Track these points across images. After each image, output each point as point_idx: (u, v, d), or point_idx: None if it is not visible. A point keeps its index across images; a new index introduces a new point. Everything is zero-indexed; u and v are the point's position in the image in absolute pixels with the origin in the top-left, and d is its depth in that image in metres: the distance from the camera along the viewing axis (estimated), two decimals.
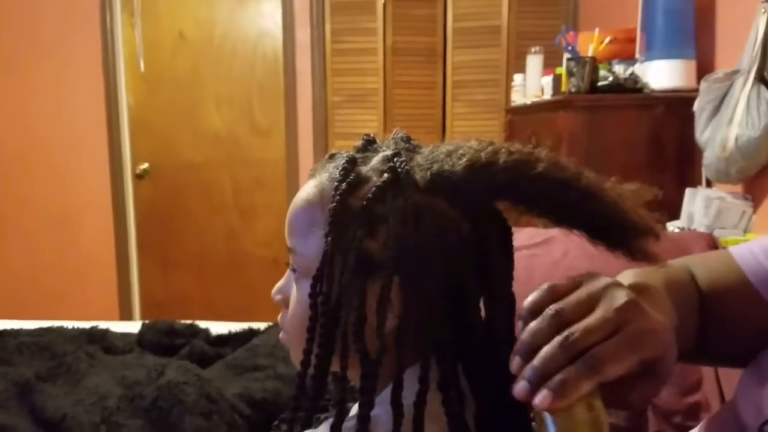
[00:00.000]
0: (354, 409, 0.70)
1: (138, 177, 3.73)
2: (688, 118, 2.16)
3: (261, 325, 2.07)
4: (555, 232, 1.84)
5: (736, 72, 2.00)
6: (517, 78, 2.99)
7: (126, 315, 3.75)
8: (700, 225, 2.03)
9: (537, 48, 2.85)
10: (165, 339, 1.95)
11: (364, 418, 0.56)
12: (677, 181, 2.27)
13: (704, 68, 2.28)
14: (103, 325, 2.10)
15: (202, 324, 2.09)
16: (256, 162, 3.72)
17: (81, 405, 1.50)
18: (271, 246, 3.76)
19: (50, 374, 1.68)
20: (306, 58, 3.52)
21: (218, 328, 2.08)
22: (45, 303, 3.64)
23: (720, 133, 1.99)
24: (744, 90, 1.95)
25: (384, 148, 0.65)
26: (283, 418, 1.51)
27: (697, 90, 2.14)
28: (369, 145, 0.66)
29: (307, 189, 0.66)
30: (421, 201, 0.59)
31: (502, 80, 3.30)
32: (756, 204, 2.02)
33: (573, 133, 2.34)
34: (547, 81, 2.63)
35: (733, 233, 1.96)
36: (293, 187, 3.61)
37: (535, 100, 2.76)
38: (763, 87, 1.92)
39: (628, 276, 0.63)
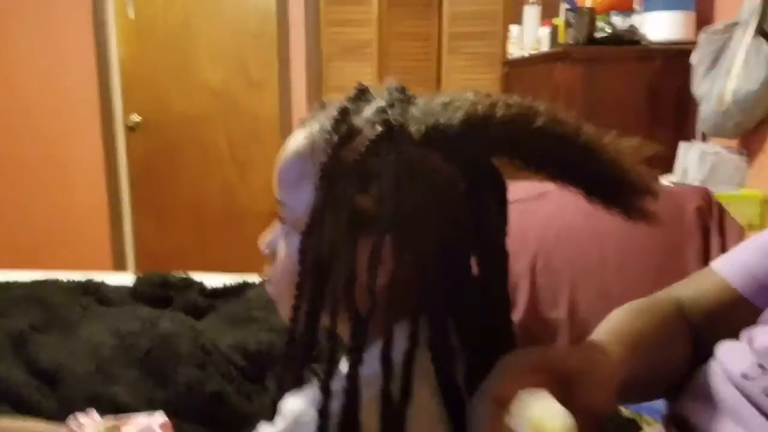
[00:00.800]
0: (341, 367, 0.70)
1: (130, 129, 3.69)
2: (686, 71, 2.14)
3: (255, 278, 2.07)
4: (550, 186, 1.83)
5: (735, 24, 1.98)
6: (514, 29, 2.94)
7: (120, 266, 3.76)
8: (695, 179, 2.03)
9: None
10: (159, 291, 1.95)
11: (353, 375, 0.55)
12: (673, 135, 2.26)
13: (703, 20, 2.25)
14: (97, 277, 2.10)
15: (196, 276, 2.09)
16: (250, 115, 3.68)
17: (75, 355, 1.50)
18: (267, 200, 3.74)
19: (44, 325, 1.68)
20: (299, 7, 3.45)
21: (212, 280, 2.08)
22: (38, 255, 3.64)
23: (717, 87, 1.98)
24: (743, 42, 1.92)
25: (377, 99, 0.62)
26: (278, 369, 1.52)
27: (695, 42, 2.12)
28: (362, 94, 0.63)
29: (297, 140, 0.63)
30: (416, 156, 0.57)
31: (498, 32, 3.24)
32: (750, 158, 2.02)
33: (570, 85, 2.32)
34: (545, 32, 2.59)
35: (727, 188, 1.95)
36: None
37: (533, 52, 2.72)
38: (762, 40, 1.89)
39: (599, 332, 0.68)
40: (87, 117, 3.59)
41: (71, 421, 1.10)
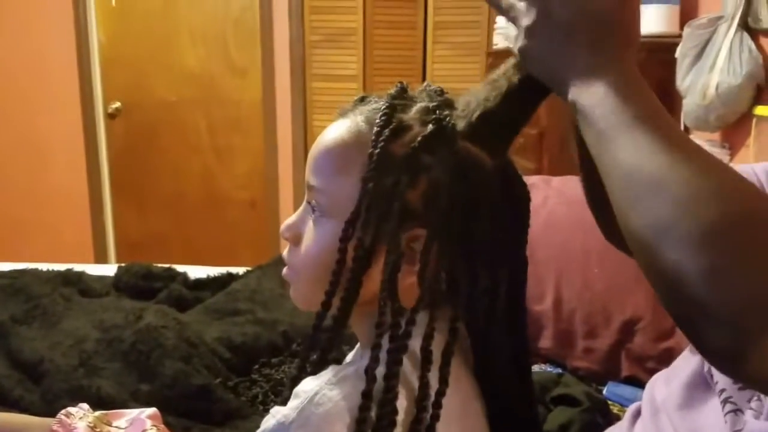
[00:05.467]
0: (349, 358, 0.72)
1: (110, 116, 3.65)
2: (670, 64, 2.14)
3: (239, 270, 2.07)
4: (535, 179, 1.84)
5: (719, 18, 1.98)
6: (500, 20, 2.94)
7: (100, 255, 3.72)
8: None
9: None
10: (142, 282, 1.94)
11: (396, 363, 0.57)
12: None
13: (688, 13, 2.26)
14: (78, 267, 2.08)
15: (180, 268, 2.08)
16: (232, 102, 3.65)
17: (58, 348, 1.49)
18: (248, 188, 3.73)
19: (26, 316, 1.67)
20: None
21: (196, 272, 2.07)
22: (17, 243, 3.59)
23: (701, 80, 1.99)
24: (727, 36, 1.93)
25: (419, 98, 0.64)
26: (264, 362, 1.52)
27: (679, 35, 2.13)
28: (403, 92, 0.65)
29: (339, 129, 0.64)
30: (466, 152, 0.60)
31: (484, 22, 3.24)
32: (733, 152, 2.04)
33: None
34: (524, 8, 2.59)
35: None
36: (270, 129, 3.56)
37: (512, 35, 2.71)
38: (746, 34, 1.91)
39: None
40: (67, 104, 3.54)
41: (61, 414, 1.09)
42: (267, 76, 3.52)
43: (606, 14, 0.53)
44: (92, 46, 3.54)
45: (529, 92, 0.61)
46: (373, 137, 0.60)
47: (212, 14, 3.56)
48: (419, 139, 0.59)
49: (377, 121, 0.61)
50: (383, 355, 0.57)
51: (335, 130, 0.64)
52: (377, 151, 0.59)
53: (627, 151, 0.47)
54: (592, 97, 0.51)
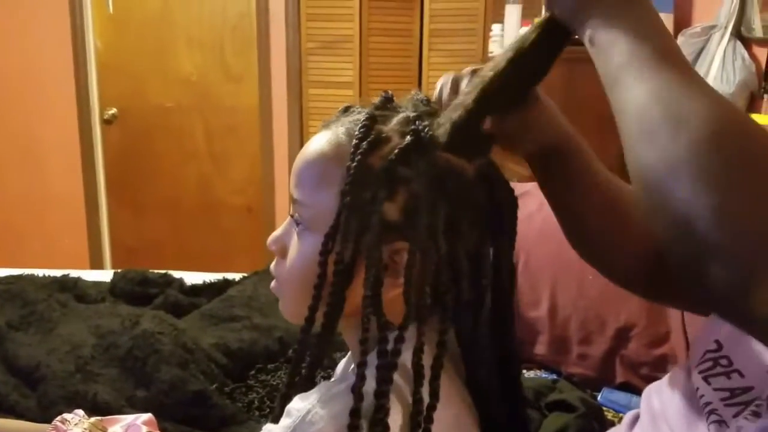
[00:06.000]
0: (340, 367, 0.72)
1: (106, 122, 3.65)
2: None
3: (236, 276, 2.07)
4: (530, 186, 1.84)
5: (713, 27, 2.00)
6: (495, 28, 2.96)
7: (96, 261, 3.71)
8: None
9: None
10: (138, 288, 1.94)
11: (386, 379, 0.56)
12: None
13: (682, 22, 2.28)
14: (74, 273, 2.08)
15: (176, 273, 2.08)
16: (228, 108, 3.65)
17: (55, 354, 1.49)
18: (244, 194, 3.73)
19: (22, 322, 1.67)
20: (280, 1, 3.43)
21: (192, 278, 2.07)
22: (14, 248, 3.59)
23: None
24: (720, 45, 1.95)
25: (403, 108, 0.64)
26: (260, 368, 1.53)
27: None
28: (387, 102, 0.65)
29: (320, 141, 0.64)
30: (445, 163, 0.59)
31: (479, 30, 3.25)
32: None
33: (551, 85, 2.32)
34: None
35: None
36: (267, 135, 3.57)
37: None
38: (738, 42, 1.93)
39: None
40: (63, 110, 3.54)
41: (57, 421, 1.10)
42: (263, 82, 3.53)
43: None
44: (89, 52, 3.54)
45: (541, 51, 0.64)
46: (352, 150, 0.60)
47: (209, 21, 3.57)
48: (396, 151, 0.59)
49: (356, 133, 0.60)
50: (371, 372, 0.56)
51: (317, 143, 0.64)
52: (354, 164, 0.59)
53: (643, 87, 0.48)
54: (611, 34, 0.52)
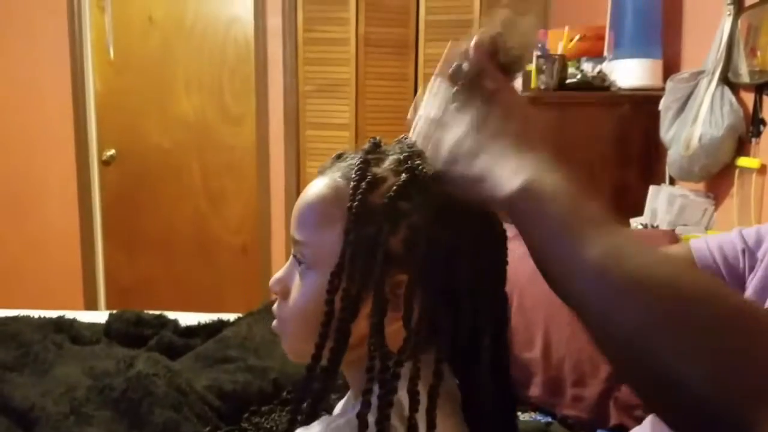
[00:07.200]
0: (339, 406, 0.73)
1: (104, 163, 3.68)
2: (654, 117, 2.20)
3: (230, 316, 2.07)
4: None
5: (701, 72, 2.05)
6: None
7: (90, 300, 3.71)
8: (663, 222, 2.08)
9: None
10: (133, 329, 1.94)
11: (385, 412, 0.58)
12: (642, 178, 2.32)
13: (670, 68, 2.33)
14: (69, 314, 2.08)
15: (171, 314, 2.08)
16: (226, 149, 3.70)
17: (49, 395, 1.49)
18: (240, 233, 3.74)
19: (17, 363, 1.67)
20: (278, 45, 3.50)
21: (187, 318, 2.07)
22: (9, 287, 3.59)
23: (684, 132, 2.04)
24: (708, 90, 1.99)
25: (391, 152, 0.67)
26: (254, 410, 1.52)
27: (663, 89, 2.19)
28: (376, 147, 0.68)
29: (319, 186, 0.67)
30: (441, 194, 0.62)
31: None
32: (717, 202, 2.08)
33: (542, 129, 2.37)
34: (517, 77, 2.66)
35: (694, 230, 2.01)
36: (264, 175, 3.60)
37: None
38: (726, 88, 1.97)
39: None
40: (62, 150, 3.57)
41: None
42: (261, 123, 3.58)
43: (515, 133, 0.59)
44: (88, 93, 3.59)
45: None
46: (351, 190, 0.63)
47: (209, 64, 3.63)
48: (395, 187, 0.62)
49: (353, 175, 0.64)
50: (374, 401, 0.58)
51: (315, 187, 0.67)
52: (355, 203, 0.62)
53: (595, 253, 0.47)
54: (537, 201, 0.52)
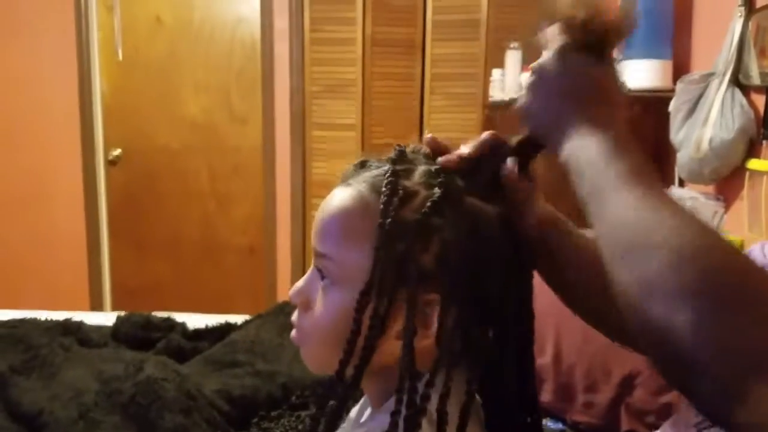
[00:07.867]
0: (354, 411, 0.72)
1: (111, 163, 3.68)
2: (664, 118, 2.19)
3: (237, 318, 2.07)
4: None
5: (711, 74, 2.03)
6: (496, 73, 3.00)
7: (96, 301, 3.70)
8: None
9: (516, 44, 2.86)
10: (141, 332, 1.94)
11: (414, 425, 0.57)
12: None
13: (680, 69, 2.31)
14: (76, 315, 2.08)
15: (179, 316, 2.08)
16: (232, 149, 3.69)
17: (58, 400, 1.49)
18: (247, 234, 3.74)
19: (25, 367, 1.66)
20: (284, 45, 3.49)
21: (195, 321, 2.07)
22: (13, 288, 3.59)
23: (695, 134, 2.03)
24: (719, 92, 1.98)
25: (420, 160, 0.66)
26: (263, 415, 1.52)
27: (673, 90, 2.17)
28: (403, 156, 0.66)
29: (343, 197, 0.65)
30: (474, 209, 0.62)
31: (480, 74, 3.30)
32: (727, 204, 2.07)
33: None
34: (526, 78, 2.65)
35: None
36: (270, 176, 3.59)
37: (515, 96, 2.77)
38: (737, 90, 1.95)
39: None
40: (68, 150, 3.57)
41: None
42: (267, 124, 3.57)
43: (593, 81, 0.60)
44: (95, 94, 3.59)
45: (521, 154, 0.67)
46: (382, 206, 0.61)
47: (216, 66, 3.63)
48: (429, 204, 0.60)
49: (383, 190, 0.61)
50: (401, 422, 0.57)
51: (338, 198, 0.65)
52: (389, 220, 0.60)
53: (613, 209, 0.50)
54: (583, 156, 0.55)
